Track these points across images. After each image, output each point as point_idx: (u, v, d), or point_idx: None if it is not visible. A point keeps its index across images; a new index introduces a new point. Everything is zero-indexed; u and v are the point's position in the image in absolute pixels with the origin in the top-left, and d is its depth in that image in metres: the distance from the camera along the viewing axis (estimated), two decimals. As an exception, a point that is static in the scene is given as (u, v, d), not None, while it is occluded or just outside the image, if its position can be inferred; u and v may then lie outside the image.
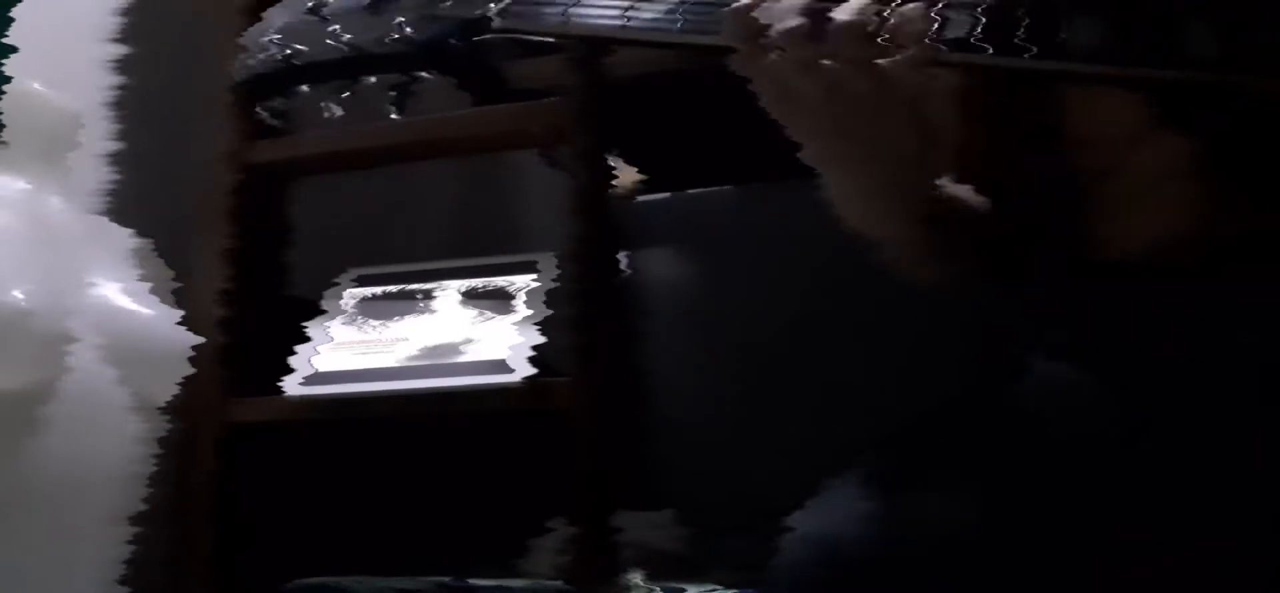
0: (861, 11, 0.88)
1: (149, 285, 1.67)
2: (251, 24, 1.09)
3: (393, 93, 1.02)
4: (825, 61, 0.89)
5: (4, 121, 1.39)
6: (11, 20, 1.41)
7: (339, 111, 1.04)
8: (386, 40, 1.00)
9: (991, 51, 0.85)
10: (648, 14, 0.94)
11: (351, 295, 1.74)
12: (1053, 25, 0.84)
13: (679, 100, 1.68)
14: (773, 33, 0.89)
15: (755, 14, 0.90)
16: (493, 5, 0.97)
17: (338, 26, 1.01)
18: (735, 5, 0.90)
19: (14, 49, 1.43)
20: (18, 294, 1.43)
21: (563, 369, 1.55)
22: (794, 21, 0.88)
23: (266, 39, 1.04)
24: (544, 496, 1.62)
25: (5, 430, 1.47)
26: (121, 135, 1.76)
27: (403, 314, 1.69)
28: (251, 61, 1.05)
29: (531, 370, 1.55)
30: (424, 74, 1.01)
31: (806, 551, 0.93)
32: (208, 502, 1.70)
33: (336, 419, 1.67)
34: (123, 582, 1.59)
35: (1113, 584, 0.88)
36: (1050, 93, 1.02)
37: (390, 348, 1.65)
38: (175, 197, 1.79)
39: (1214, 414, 0.89)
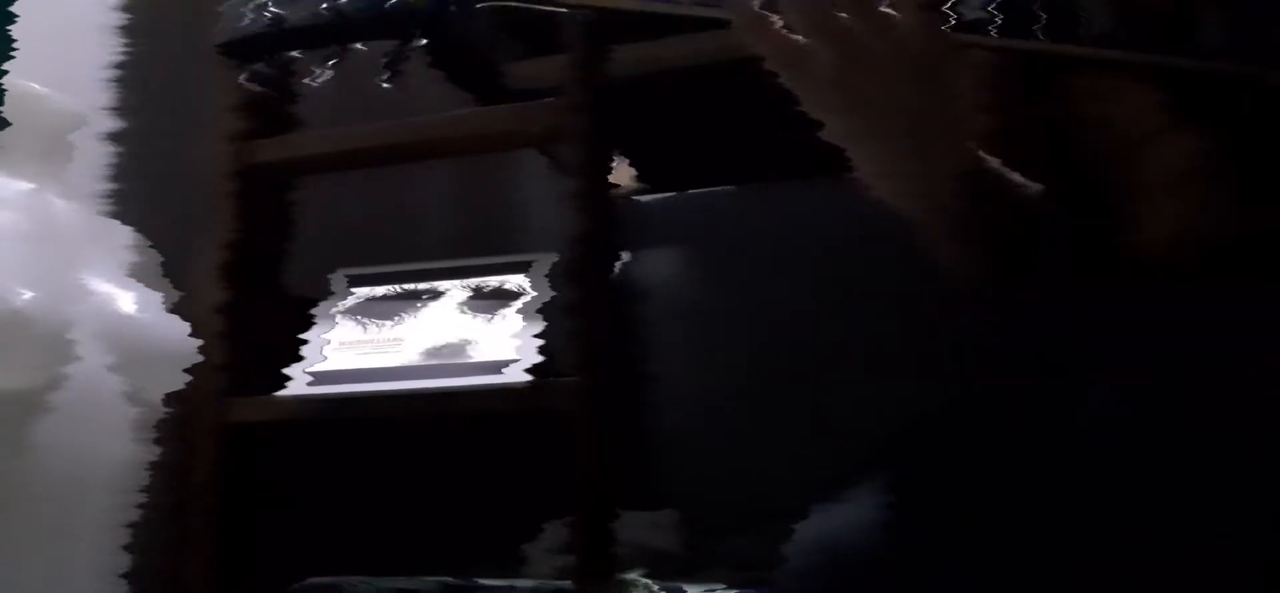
0: None
1: (149, 285, 1.67)
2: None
3: (385, 60, 0.99)
4: (836, 22, 0.86)
5: (6, 120, 1.39)
6: (13, 19, 1.41)
7: (327, 77, 1.01)
8: (378, 5, 0.97)
9: (1003, 33, 0.84)
10: (653, -15, 0.91)
11: (352, 295, 1.74)
12: (1069, 12, 0.84)
13: (679, 100, 1.68)
14: None
15: None
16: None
17: (327, -12, 0.99)
18: None
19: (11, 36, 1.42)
20: (18, 294, 1.44)
21: (563, 369, 1.55)
22: None
23: (251, 0, 1.01)
24: (545, 495, 1.62)
25: (5, 430, 1.47)
26: (122, 135, 1.76)
27: (403, 314, 1.69)
28: (235, 23, 1.02)
29: (532, 371, 1.55)
30: (416, 42, 0.98)
31: (812, 552, 0.93)
32: (208, 502, 1.70)
33: (337, 419, 1.67)
34: (123, 582, 1.59)
35: (1120, 585, 0.87)
36: (1066, 88, 1.01)
37: (391, 348, 1.65)
38: (175, 197, 1.79)
39: (1230, 414, 0.89)
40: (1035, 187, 1.02)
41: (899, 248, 1.01)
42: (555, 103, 1.58)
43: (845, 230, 1.06)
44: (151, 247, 1.71)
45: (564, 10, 1.10)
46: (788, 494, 0.97)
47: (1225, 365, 0.90)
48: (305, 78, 1.02)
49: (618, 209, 1.66)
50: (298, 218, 1.82)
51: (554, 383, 1.55)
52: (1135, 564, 0.87)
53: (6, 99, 1.43)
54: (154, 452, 1.63)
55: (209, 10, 1.10)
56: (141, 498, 1.61)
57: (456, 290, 1.69)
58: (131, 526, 1.59)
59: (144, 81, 1.79)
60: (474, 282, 1.69)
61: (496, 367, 1.57)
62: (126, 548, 1.59)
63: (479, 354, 1.60)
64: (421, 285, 1.71)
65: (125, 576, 1.59)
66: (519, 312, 1.63)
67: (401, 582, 1.63)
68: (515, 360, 1.57)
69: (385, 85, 0.99)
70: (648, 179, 1.85)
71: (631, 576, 1.54)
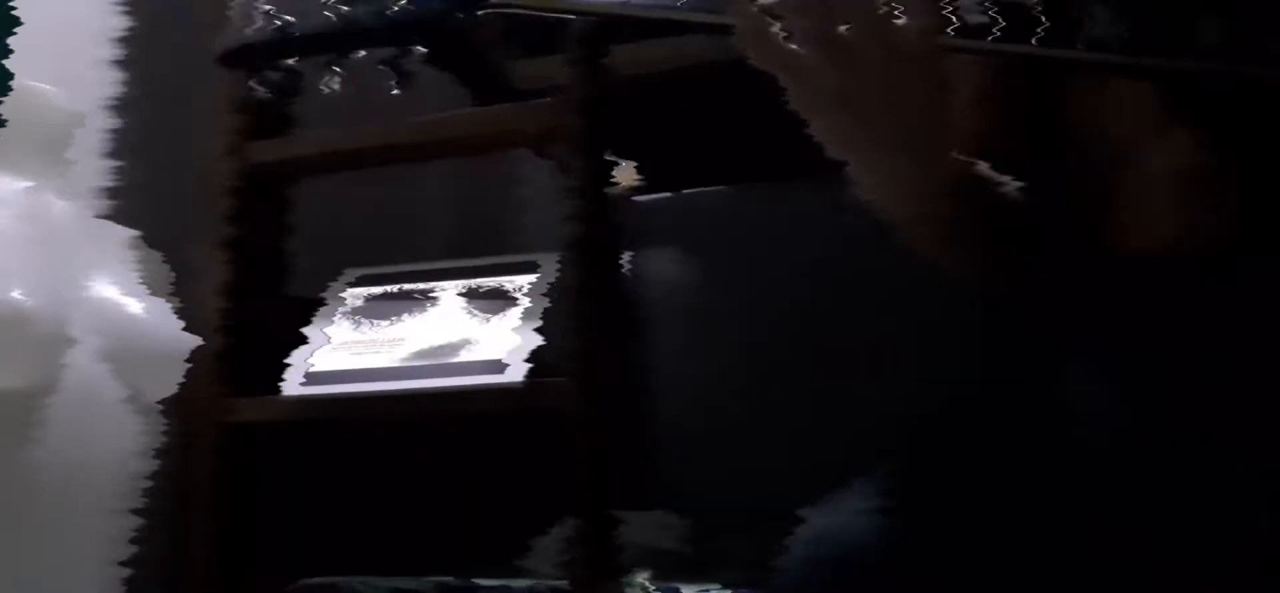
0: None
1: (149, 285, 1.67)
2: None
3: (389, 68, 0.99)
4: (833, 32, 0.87)
5: (4, 119, 1.39)
6: (13, 18, 1.41)
7: (336, 85, 1.01)
8: (383, 12, 0.97)
9: (1002, 38, 0.84)
10: (649, -8, 0.91)
11: (351, 295, 1.74)
12: (1066, 16, 0.84)
13: (679, 100, 1.68)
14: (776, 4, 0.87)
15: None
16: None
17: (332, -4, 0.99)
18: None
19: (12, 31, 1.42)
20: (18, 294, 1.44)
21: (562, 369, 1.55)
22: None
23: (257, 7, 1.01)
24: (544, 495, 1.62)
25: (5, 430, 1.47)
26: (122, 135, 1.76)
27: (402, 314, 1.69)
28: (241, 31, 1.02)
29: (531, 371, 1.55)
30: (421, 49, 0.98)
31: (811, 552, 0.93)
32: (208, 502, 1.70)
33: (336, 419, 1.67)
34: (122, 581, 1.59)
35: (1120, 584, 0.88)
36: (1063, 88, 1.01)
37: (390, 348, 1.65)
38: (175, 197, 1.79)
39: (1227, 414, 0.89)
40: (1033, 188, 1.02)
41: (899, 248, 1.02)
42: (555, 103, 1.58)
43: (845, 230, 1.06)
44: (151, 247, 1.71)
45: (567, 16, 1.10)
46: (788, 494, 0.97)
47: (1223, 365, 0.90)
48: (315, 84, 1.02)
49: (617, 209, 1.66)
50: (297, 218, 1.82)
51: (553, 383, 1.55)
52: (1135, 563, 0.87)
53: (6, 99, 1.43)
54: (153, 452, 1.63)
55: (209, 10, 1.09)
56: (141, 498, 1.61)
57: (456, 291, 1.69)
58: (131, 525, 1.59)
59: (144, 81, 1.79)
60: (473, 282, 1.69)
61: (496, 367, 1.57)
62: (126, 547, 1.59)
63: (478, 354, 1.60)
64: (421, 286, 1.71)
65: (125, 575, 1.59)
66: (518, 312, 1.63)
67: (400, 582, 1.63)
68: (515, 361, 1.57)
69: (394, 92, 1.00)
70: (648, 179, 1.85)
71: (631, 576, 1.54)
